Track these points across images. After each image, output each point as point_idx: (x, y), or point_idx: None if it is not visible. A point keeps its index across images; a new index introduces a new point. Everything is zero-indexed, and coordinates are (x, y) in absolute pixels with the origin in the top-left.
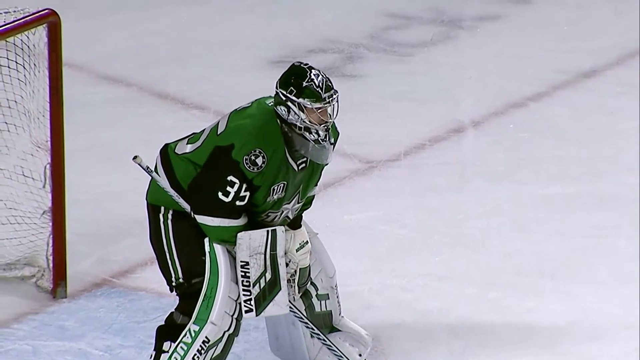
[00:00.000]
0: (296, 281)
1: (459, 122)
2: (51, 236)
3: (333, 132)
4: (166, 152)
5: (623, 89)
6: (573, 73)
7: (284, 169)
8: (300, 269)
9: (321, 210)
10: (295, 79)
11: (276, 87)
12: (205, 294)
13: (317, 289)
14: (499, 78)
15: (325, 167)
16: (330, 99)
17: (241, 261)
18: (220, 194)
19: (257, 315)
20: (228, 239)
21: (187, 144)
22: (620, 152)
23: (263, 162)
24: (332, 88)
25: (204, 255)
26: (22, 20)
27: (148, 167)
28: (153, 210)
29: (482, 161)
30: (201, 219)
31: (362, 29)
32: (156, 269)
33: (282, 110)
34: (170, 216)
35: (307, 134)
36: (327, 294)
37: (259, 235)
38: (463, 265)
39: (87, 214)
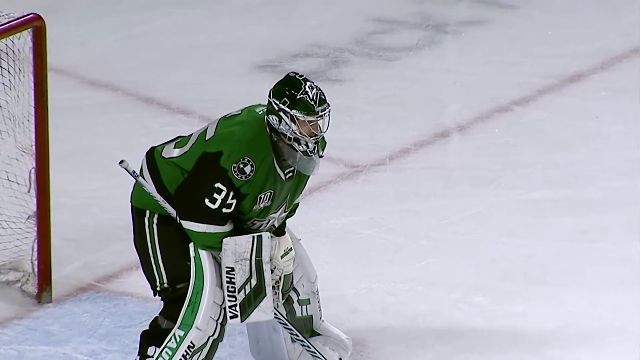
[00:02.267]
0: (280, 287)
1: (445, 126)
2: (36, 241)
3: (321, 143)
4: (152, 156)
5: (608, 94)
6: (558, 78)
7: (271, 178)
8: (284, 275)
9: (307, 215)
10: (290, 90)
11: (269, 96)
12: (190, 299)
13: (298, 295)
14: (484, 83)
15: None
16: (323, 112)
17: (226, 267)
18: (207, 200)
19: (242, 321)
20: (213, 245)
21: (175, 147)
22: (606, 156)
23: (251, 171)
24: (326, 102)
25: (189, 260)
26: (7, 24)
27: (134, 172)
28: (138, 213)
29: (467, 166)
30: (187, 224)
31: (348, 34)
32: (141, 274)
33: (273, 119)
34: (155, 220)
35: (297, 144)
36: (309, 299)
37: (244, 241)
38: (449, 270)
39: (72, 219)
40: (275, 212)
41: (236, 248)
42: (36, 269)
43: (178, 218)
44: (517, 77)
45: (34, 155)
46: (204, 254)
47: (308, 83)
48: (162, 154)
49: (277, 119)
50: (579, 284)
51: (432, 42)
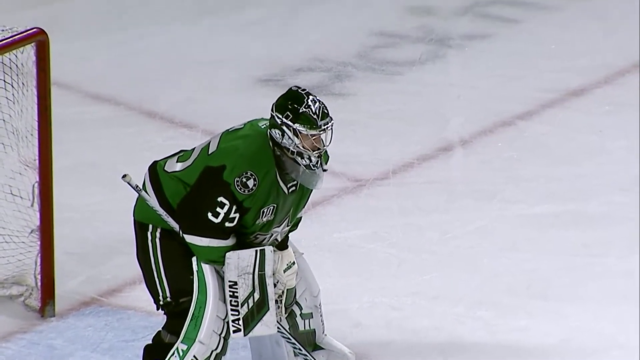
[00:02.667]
0: (283, 302)
1: (448, 141)
2: (39, 255)
3: (324, 156)
4: (155, 170)
5: (611, 108)
6: (561, 92)
7: (274, 191)
8: (287, 289)
9: (310, 229)
10: (292, 104)
11: (272, 110)
12: (193, 313)
13: (301, 308)
14: (487, 97)
15: (314, 190)
16: (325, 126)
17: (229, 281)
18: (209, 214)
19: (245, 335)
20: (216, 259)
21: (177, 162)
22: (608, 170)
23: (254, 185)
24: (328, 115)
25: (192, 274)
26: (10, 39)
27: (137, 186)
28: (140, 228)
29: (470, 180)
30: (190, 238)
31: (351, 48)
32: (145, 288)
33: (276, 133)
34: (158, 234)
35: (299, 158)
36: (311, 313)
37: (247, 255)
38: (452, 284)
39: (76, 233)
40: (278, 226)
41: (239, 262)
42: (39, 283)
43: (181, 232)
44: (520, 91)
45: (37, 169)
46: (207, 268)
47: (311, 97)
48: (165, 168)
49: (280, 133)
50: (581, 299)
51: (435, 56)
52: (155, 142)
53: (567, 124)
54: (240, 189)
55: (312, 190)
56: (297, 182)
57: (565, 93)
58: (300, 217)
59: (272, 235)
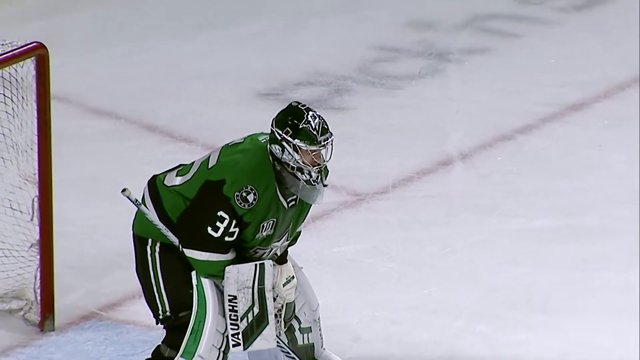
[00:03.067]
0: (282, 316)
1: (447, 155)
2: (39, 269)
3: (324, 171)
4: (154, 184)
5: (611, 122)
6: (561, 106)
7: (274, 206)
8: (286, 303)
9: (309, 243)
10: (292, 119)
11: (272, 126)
12: (192, 327)
13: (300, 322)
14: (487, 111)
15: (314, 205)
16: (325, 142)
17: (229, 295)
18: (209, 228)
19: (244, 349)
20: (216, 273)
21: (177, 176)
22: (608, 185)
23: (254, 199)
24: (328, 131)
25: (191, 288)
26: (10, 53)
27: (137, 200)
28: (140, 242)
29: (470, 194)
30: (189, 252)
31: (350, 62)
32: (144, 302)
33: (276, 148)
34: (157, 248)
35: (299, 174)
36: (310, 327)
37: (247, 269)
38: (452, 298)
39: (75, 247)
40: (278, 241)
41: (239, 276)
42: (39, 297)
43: (180, 246)
44: (520, 105)
45: (36, 183)
46: (206, 282)
47: (310, 112)
48: (165, 182)
49: (280, 149)
50: (581, 312)
51: (435, 71)
52: (155, 155)
53: (567, 138)
54: (240, 203)
55: (311, 205)
56: (297, 197)
57: (565, 107)
58: (300, 232)
59: (271, 249)
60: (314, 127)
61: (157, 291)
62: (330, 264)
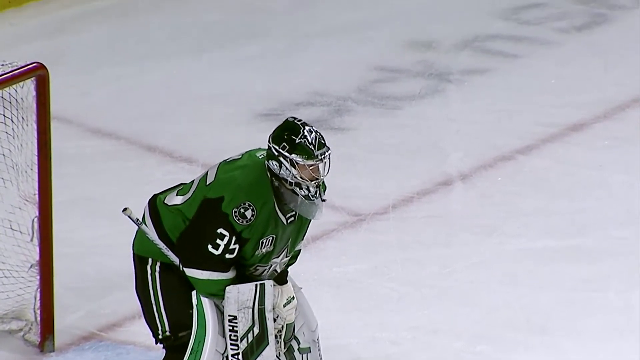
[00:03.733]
0: (282, 336)
1: (447, 175)
2: (39, 289)
3: (322, 186)
4: (154, 204)
5: (611, 143)
6: (561, 126)
7: (272, 222)
8: (286, 324)
9: (309, 263)
10: (289, 134)
11: (269, 142)
12: (192, 348)
13: (299, 343)
14: (487, 131)
15: (313, 221)
16: (322, 156)
17: (229, 315)
18: (210, 247)
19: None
20: (216, 292)
21: (177, 195)
22: (608, 205)
23: (252, 215)
24: (325, 145)
25: (191, 308)
26: (10, 73)
27: (138, 219)
28: (140, 261)
29: (470, 214)
30: (190, 272)
31: (350, 82)
32: (144, 323)
33: (274, 164)
34: (157, 268)
35: (298, 189)
36: (309, 347)
37: (247, 289)
38: (452, 319)
39: (75, 267)
40: (277, 257)
41: (239, 296)
42: (39, 318)
43: (181, 266)
44: (520, 125)
45: (36, 204)
46: (206, 302)
47: (307, 127)
48: (165, 201)
49: (278, 164)
50: (580, 333)
51: (435, 91)
52: (155, 176)
53: (567, 158)
54: (238, 219)
55: (310, 220)
56: (296, 213)
57: (565, 128)
58: (300, 250)
59: (271, 266)
60: (310, 141)
61: (157, 311)
62: (330, 284)
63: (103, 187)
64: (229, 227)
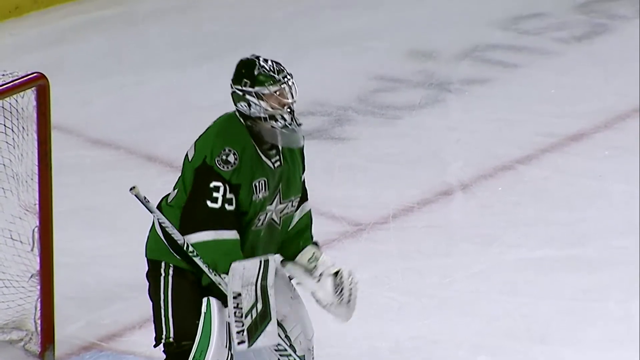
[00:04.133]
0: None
1: (448, 185)
2: (39, 299)
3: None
4: (160, 205)
5: (611, 153)
6: (561, 136)
7: (259, 165)
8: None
9: None
10: (246, 70)
11: (231, 86)
12: (194, 357)
13: (295, 351)
14: (487, 141)
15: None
16: (285, 78)
17: (233, 292)
18: (209, 202)
19: (249, 347)
20: (225, 257)
21: (173, 189)
22: (608, 215)
23: (235, 159)
24: (284, 69)
25: (198, 318)
26: (11, 83)
27: (145, 198)
28: (153, 265)
29: (470, 224)
30: (196, 237)
31: (351, 92)
32: (145, 333)
33: (242, 106)
34: (171, 272)
35: (274, 122)
36: (304, 356)
37: (252, 265)
38: (452, 328)
39: (76, 277)
40: (271, 204)
41: (244, 272)
42: (39, 328)
43: (187, 243)
44: (520, 135)
45: (37, 214)
46: (215, 311)
47: (261, 58)
48: (167, 200)
49: (246, 104)
50: (581, 343)
51: (435, 101)
52: (155, 185)
53: (567, 168)
54: (223, 166)
55: (301, 166)
56: (280, 156)
57: (565, 137)
58: (309, 212)
59: (267, 214)
60: (268, 68)
61: (165, 315)
62: None
63: (103, 197)
64: (219, 178)
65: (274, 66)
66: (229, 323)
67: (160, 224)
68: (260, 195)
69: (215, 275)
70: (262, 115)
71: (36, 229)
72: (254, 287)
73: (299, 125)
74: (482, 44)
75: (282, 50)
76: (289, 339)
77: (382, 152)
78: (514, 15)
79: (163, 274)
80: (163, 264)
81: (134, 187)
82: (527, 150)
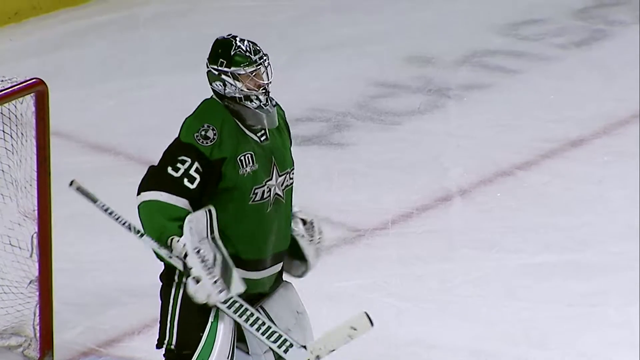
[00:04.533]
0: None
1: (447, 190)
2: (38, 305)
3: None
4: None
5: (611, 158)
6: (560, 142)
7: (242, 139)
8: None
9: (309, 278)
10: (223, 50)
11: (207, 66)
12: None
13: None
14: (486, 146)
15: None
16: (261, 60)
17: (194, 248)
18: (169, 169)
19: (229, 293)
20: (166, 221)
21: None
22: (608, 220)
23: (214, 134)
24: (261, 50)
25: (202, 331)
26: (10, 89)
27: (85, 189)
28: (168, 271)
29: (469, 229)
30: (144, 195)
31: (350, 98)
32: (144, 338)
33: (218, 85)
34: (184, 280)
35: (249, 102)
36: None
37: (201, 215)
38: (451, 333)
39: (74, 283)
40: (270, 180)
41: (197, 225)
42: (38, 334)
43: (139, 197)
44: (519, 141)
45: (36, 220)
46: (221, 322)
47: (238, 38)
48: None
49: (222, 84)
50: (579, 348)
51: (434, 106)
52: None
53: (567, 174)
54: (202, 141)
55: (288, 139)
56: (266, 131)
57: (565, 143)
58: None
59: (270, 189)
60: (245, 49)
61: (170, 321)
62: (329, 299)
63: None
64: (192, 154)
65: (251, 47)
66: (206, 286)
67: (104, 209)
68: (249, 169)
69: (162, 247)
70: (237, 95)
71: (35, 235)
72: (206, 240)
73: (275, 105)
74: (481, 50)
75: (281, 55)
76: None
77: (381, 158)
78: (513, 21)
79: (176, 280)
80: (177, 271)
81: (73, 182)
82: (527, 155)
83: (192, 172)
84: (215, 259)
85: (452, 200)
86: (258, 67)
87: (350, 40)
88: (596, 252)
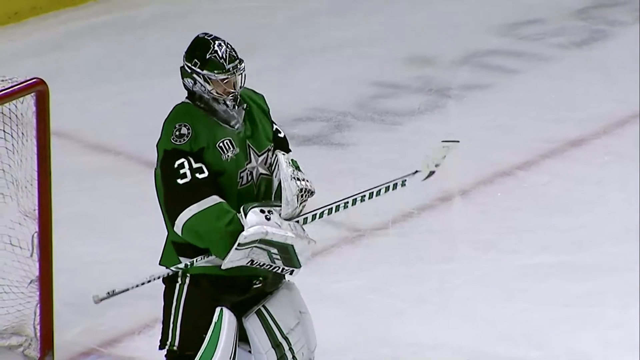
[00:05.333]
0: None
1: (447, 190)
2: (38, 305)
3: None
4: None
5: (610, 159)
6: (560, 142)
7: (218, 128)
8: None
9: (309, 278)
10: (200, 51)
11: (183, 59)
12: None
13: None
14: (486, 147)
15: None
16: (235, 69)
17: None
18: (178, 180)
19: (299, 267)
20: (213, 225)
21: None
22: (607, 221)
23: (189, 130)
24: (237, 58)
25: (205, 333)
26: (10, 89)
27: (109, 293)
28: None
29: (469, 230)
30: (182, 218)
31: (350, 98)
32: (144, 339)
33: (188, 82)
34: (187, 281)
35: (216, 104)
36: None
37: (265, 206)
38: (451, 334)
39: (75, 283)
40: (249, 162)
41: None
42: (38, 334)
43: (174, 226)
44: (519, 141)
45: (36, 220)
46: (225, 322)
47: (217, 42)
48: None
49: (192, 81)
50: (577, 349)
51: (434, 106)
52: (154, 191)
53: (566, 174)
54: (179, 141)
55: (266, 121)
56: (240, 119)
57: (564, 143)
58: (284, 137)
59: (251, 171)
60: (221, 55)
61: (173, 323)
62: (330, 299)
63: (102, 203)
64: (179, 155)
65: (227, 54)
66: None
67: (149, 280)
68: (230, 154)
69: (239, 246)
70: (206, 96)
71: (35, 235)
72: (256, 248)
73: (245, 109)
74: (481, 50)
75: (281, 56)
76: (292, 351)
77: (381, 158)
78: (512, 21)
79: (179, 281)
80: (180, 272)
81: (96, 296)
82: (526, 156)
83: (194, 166)
84: (270, 257)
85: (452, 201)
86: (230, 76)
87: (350, 40)
88: (595, 253)
